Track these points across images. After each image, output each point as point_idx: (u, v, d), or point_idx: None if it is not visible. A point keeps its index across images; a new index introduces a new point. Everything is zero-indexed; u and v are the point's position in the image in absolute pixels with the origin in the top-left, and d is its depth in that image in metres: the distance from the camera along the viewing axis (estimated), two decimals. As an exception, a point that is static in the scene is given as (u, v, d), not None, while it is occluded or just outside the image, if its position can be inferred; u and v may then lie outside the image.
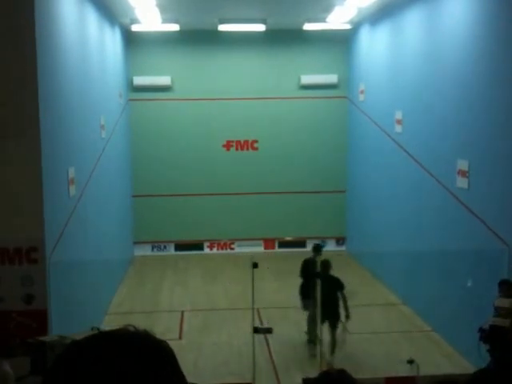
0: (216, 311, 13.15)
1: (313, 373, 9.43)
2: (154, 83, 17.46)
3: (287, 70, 17.79)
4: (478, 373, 3.36)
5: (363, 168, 16.61)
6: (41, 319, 8.04)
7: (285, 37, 17.42)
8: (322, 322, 9.99)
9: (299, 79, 17.78)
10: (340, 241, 18.33)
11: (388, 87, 14.49)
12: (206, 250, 18.02)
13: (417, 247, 12.51)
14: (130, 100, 17.38)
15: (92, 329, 7.34)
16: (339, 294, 10.14)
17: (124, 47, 16.82)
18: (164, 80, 17.47)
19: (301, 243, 17.95)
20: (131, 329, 1.25)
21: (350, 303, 10.17)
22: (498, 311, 8.08)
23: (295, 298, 11.08)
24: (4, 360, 6.11)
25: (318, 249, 11.00)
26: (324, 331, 10.07)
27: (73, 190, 9.98)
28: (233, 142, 17.96)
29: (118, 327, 1.29)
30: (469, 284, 9.76)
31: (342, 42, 17.67)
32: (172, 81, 17.51)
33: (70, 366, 1.18)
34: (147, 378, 1.17)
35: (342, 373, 2.97)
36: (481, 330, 8.22)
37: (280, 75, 17.80)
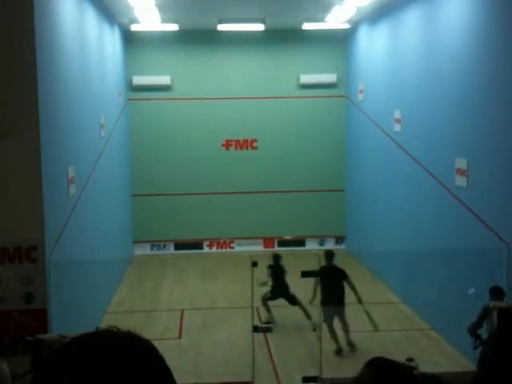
0: (215, 310, 13.18)
1: (312, 371, 9.47)
2: (153, 83, 17.47)
3: (286, 69, 17.81)
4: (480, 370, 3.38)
5: (362, 167, 16.63)
6: (41, 318, 8.06)
7: (284, 36, 17.44)
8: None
9: (298, 78, 17.79)
10: (339, 240, 18.35)
11: (387, 86, 14.51)
12: (206, 249, 18.04)
13: (416, 246, 12.54)
14: (130, 100, 17.39)
15: (97, 328, 7.31)
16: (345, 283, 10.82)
17: (123, 47, 16.84)
18: (163, 79, 17.48)
19: (300, 242, 17.99)
20: (114, 329, 1.25)
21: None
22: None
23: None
24: (1, 359, 6.11)
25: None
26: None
27: (72, 189, 10.01)
28: (232, 141, 17.98)
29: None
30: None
31: (341, 42, 17.69)
32: (171, 80, 17.53)
33: (53, 369, 1.18)
34: (131, 378, 1.16)
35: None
36: (476, 336, 8.26)
37: (279, 75, 17.82)
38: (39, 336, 5.93)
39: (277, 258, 12.15)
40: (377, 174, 15.30)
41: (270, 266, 11.96)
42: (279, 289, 11.83)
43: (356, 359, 10.19)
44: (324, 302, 10.63)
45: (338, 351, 10.48)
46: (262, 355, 10.50)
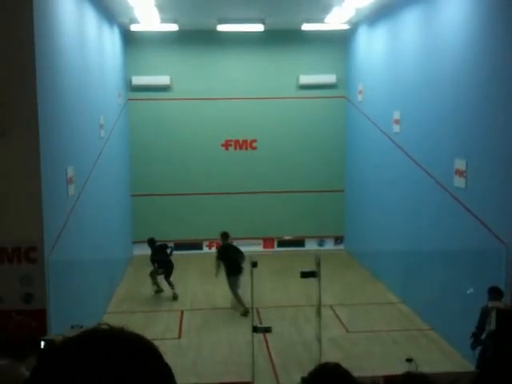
0: (215, 310, 13.18)
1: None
2: (152, 83, 17.47)
3: (286, 69, 17.82)
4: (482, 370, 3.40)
5: (361, 167, 16.64)
6: (40, 318, 8.07)
7: (283, 37, 17.44)
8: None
9: (298, 79, 17.80)
10: (338, 240, 18.36)
11: (386, 87, 14.51)
12: (205, 250, 18.03)
13: (415, 246, 12.54)
14: (129, 100, 17.39)
15: (72, 327, 7.26)
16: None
17: (123, 47, 16.84)
18: (163, 80, 17.49)
19: (300, 242, 17.99)
20: (105, 327, 1.24)
21: None
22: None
23: (294, 297, 11.12)
24: (19, 362, 6.10)
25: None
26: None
27: (71, 189, 10.00)
28: (231, 141, 17.98)
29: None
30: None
31: (341, 43, 17.69)
32: (171, 80, 17.53)
33: (50, 368, 1.17)
34: (128, 377, 1.16)
35: (339, 366, 3.02)
36: (474, 335, 8.28)
37: (279, 75, 17.82)
38: (48, 337, 5.91)
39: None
40: (376, 175, 15.31)
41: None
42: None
43: (355, 359, 10.20)
44: (229, 273, 12.72)
45: (245, 313, 12.10)
46: (262, 355, 10.50)
